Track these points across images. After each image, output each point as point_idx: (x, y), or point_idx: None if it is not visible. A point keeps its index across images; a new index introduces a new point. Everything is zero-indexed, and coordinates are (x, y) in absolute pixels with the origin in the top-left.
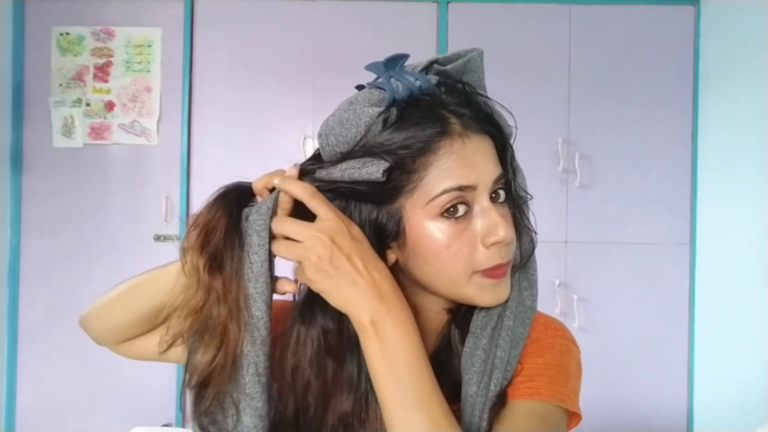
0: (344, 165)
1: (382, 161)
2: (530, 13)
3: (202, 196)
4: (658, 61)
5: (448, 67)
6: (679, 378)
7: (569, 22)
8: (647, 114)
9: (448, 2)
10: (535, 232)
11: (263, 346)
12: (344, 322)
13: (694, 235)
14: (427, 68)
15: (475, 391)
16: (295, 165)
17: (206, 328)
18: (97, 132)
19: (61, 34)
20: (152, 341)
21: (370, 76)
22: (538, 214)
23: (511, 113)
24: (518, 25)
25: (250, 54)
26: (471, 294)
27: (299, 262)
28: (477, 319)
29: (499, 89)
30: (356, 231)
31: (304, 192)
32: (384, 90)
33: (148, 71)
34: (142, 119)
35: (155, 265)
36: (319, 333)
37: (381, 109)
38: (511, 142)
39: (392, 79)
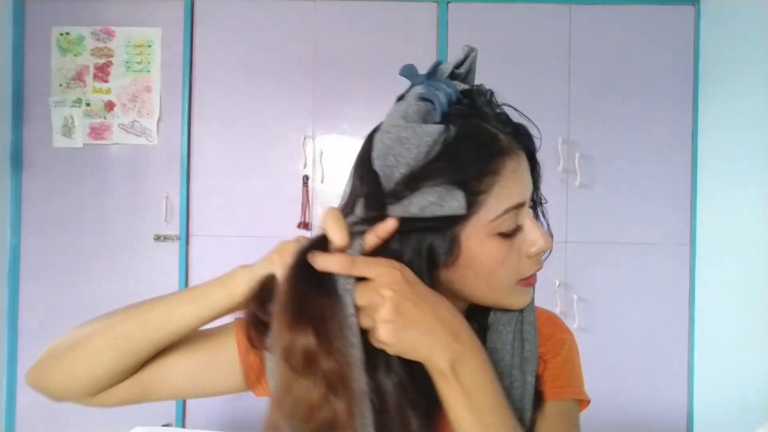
0: (420, 200)
1: (456, 190)
2: (530, 13)
3: (202, 196)
4: (658, 61)
5: (461, 70)
6: (679, 378)
7: (569, 22)
8: (647, 114)
9: (448, 2)
10: (551, 235)
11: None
12: (415, 370)
13: (694, 235)
14: (450, 74)
15: (509, 383)
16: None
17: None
18: (97, 132)
19: (61, 34)
20: (142, 378)
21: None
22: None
23: (535, 125)
24: (518, 25)
25: (250, 54)
26: (510, 301)
27: (367, 329)
28: (497, 316)
29: (499, 89)
30: (409, 274)
31: (343, 268)
32: (431, 102)
33: (148, 71)
34: (142, 119)
35: (155, 265)
36: (395, 386)
37: (440, 127)
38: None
39: (435, 90)
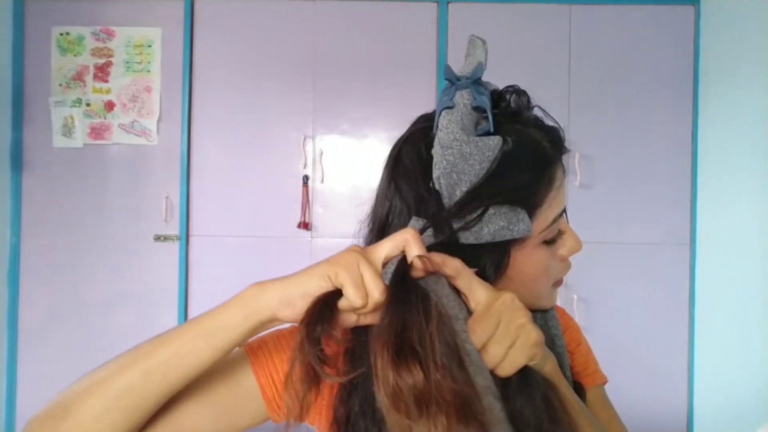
0: (490, 227)
1: (521, 212)
2: (530, 13)
3: (202, 196)
4: (658, 61)
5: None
6: (679, 378)
7: (569, 22)
8: (647, 114)
9: (448, 2)
10: None
11: None
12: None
13: (694, 235)
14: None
15: None
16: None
17: None
18: (97, 132)
19: (61, 34)
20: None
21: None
22: None
23: (560, 127)
24: (518, 25)
25: (250, 54)
26: (543, 303)
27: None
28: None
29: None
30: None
31: (465, 274)
32: (483, 110)
33: (148, 71)
34: (142, 119)
35: (155, 265)
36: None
37: (499, 139)
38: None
39: (482, 97)
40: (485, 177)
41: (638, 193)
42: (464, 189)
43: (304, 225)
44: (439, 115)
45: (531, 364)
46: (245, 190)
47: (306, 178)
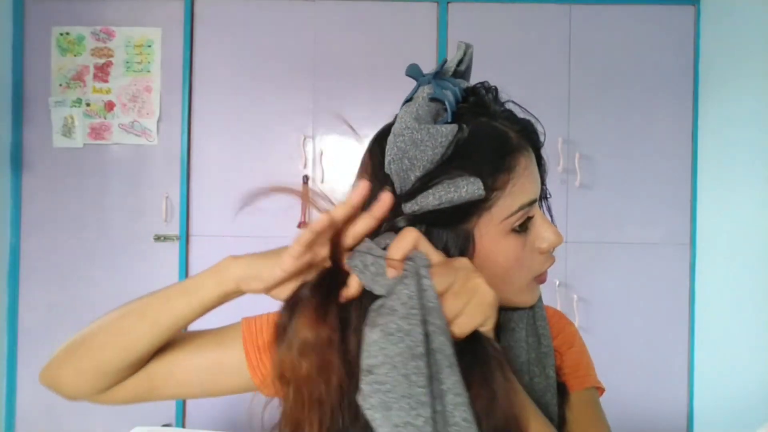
0: (436, 192)
1: (473, 177)
2: (530, 13)
3: (202, 196)
4: (658, 61)
5: (462, 67)
6: (679, 378)
7: (569, 22)
8: (647, 114)
9: (448, 2)
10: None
11: None
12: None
13: (694, 235)
14: (454, 72)
15: (528, 380)
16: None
17: None
18: (97, 132)
19: (61, 34)
20: (148, 375)
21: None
22: None
23: (539, 121)
24: (518, 25)
25: (250, 54)
26: (523, 298)
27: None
28: (508, 315)
29: (499, 89)
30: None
31: (416, 239)
32: (441, 102)
33: (148, 71)
34: (142, 119)
35: (155, 265)
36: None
37: (454, 127)
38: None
39: (443, 90)
40: (439, 162)
41: (638, 193)
42: (418, 174)
43: (305, 225)
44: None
45: (483, 330)
46: (245, 190)
47: (306, 178)
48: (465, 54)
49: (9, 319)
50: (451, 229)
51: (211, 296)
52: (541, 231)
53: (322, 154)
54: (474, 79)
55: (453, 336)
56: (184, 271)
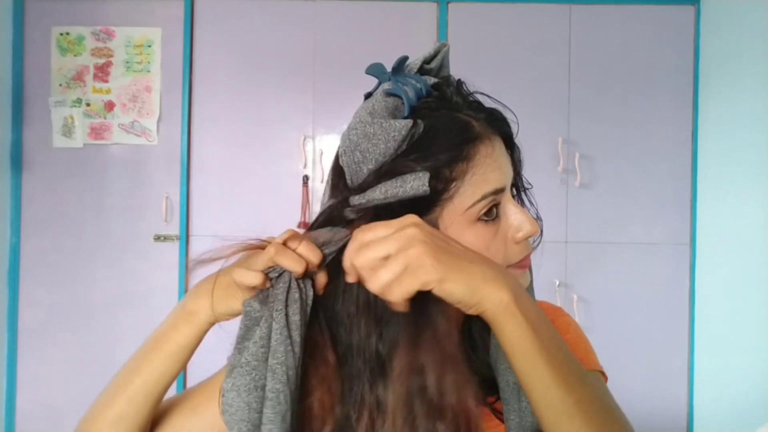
0: (383, 187)
1: (421, 172)
2: (530, 13)
3: (202, 196)
4: (658, 61)
5: (432, 65)
6: (679, 378)
7: (569, 22)
8: (647, 114)
9: (448, 2)
10: (540, 219)
11: None
12: (458, 318)
13: (694, 235)
14: (420, 69)
15: (516, 379)
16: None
17: None
18: (97, 132)
19: (61, 34)
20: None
21: (367, 79)
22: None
23: (510, 109)
24: (518, 25)
25: (250, 54)
26: None
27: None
28: None
29: (499, 89)
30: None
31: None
32: (398, 97)
33: (148, 71)
34: (142, 119)
35: (155, 265)
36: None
37: (408, 122)
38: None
39: (401, 85)
40: (393, 156)
41: (638, 193)
42: (371, 167)
43: (304, 225)
44: None
45: (429, 290)
46: (245, 190)
47: (306, 178)
48: (438, 53)
49: (9, 319)
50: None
51: (195, 342)
52: (515, 220)
53: (322, 154)
54: (474, 79)
55: (391, 302)
56: (184, 271)
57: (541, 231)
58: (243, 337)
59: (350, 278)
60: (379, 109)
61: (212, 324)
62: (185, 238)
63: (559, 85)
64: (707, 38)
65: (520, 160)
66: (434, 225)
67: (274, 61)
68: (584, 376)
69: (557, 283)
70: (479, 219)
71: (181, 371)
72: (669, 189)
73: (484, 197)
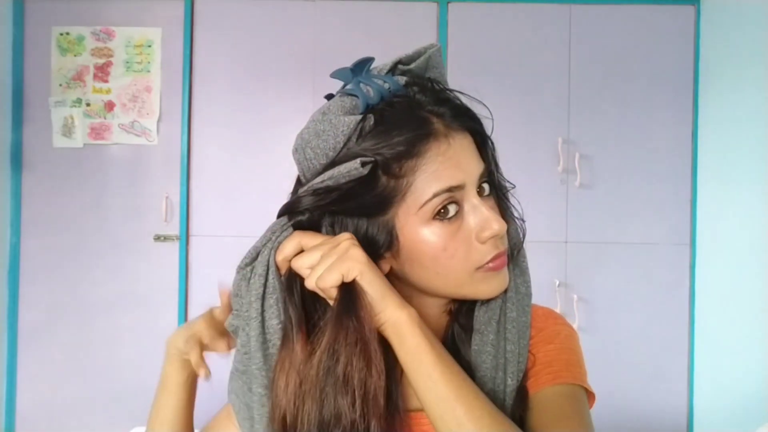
0: (324, 174)
1: (361, 159)
2: (530, 13)
3: (202, 196)
4: (658, 61)
5: (412, 66)
6: (679, 378)
7: (569, 22)
8: (647, 114)
9: (448, 2)
10: (523, 220)
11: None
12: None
13: (694, 235)
14: (392, 70)
15: (491, 387)
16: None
17: None
18: (97, 132)
19: (61, 34)
20: None
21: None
22: (538, 213)
23: (485, 105)
24: (518, 25)
25: (250, 54)
26: (473, 290)
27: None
28: (479, 315)
29: (499, 89)
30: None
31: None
32: (356, 96)
33: (148, 71)
34: (142, 119)
35: (155, 265)
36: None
37: (358, 117)
38: (489, 133)
39: (362, 84)
40: (342, 149)
41: (638, 193)
42: (323, 162)
43: None
44: None
45: (351, 278)
46: (245, 190)
47: None
48: (422, 54)
49: (9, 319)
50: (370, 220)
51: (188, 381)
52: (478, 219)
53: None
54: (474, 79)
55: (321, 289)
56: (184, 271)
57: (524, 232)
58: (237, 348)
59: (283, 275)
60: (334, 109)
61: (190, 381)
62: (185, 238)
63: (559, 85)
64: (707, 38)
65: (494, 156)
66: (390, 225)
67: (274, 61)
68: (478, 393)
69: (557, 283)
70: (435, 217)
71: (190, 404)
72: (669, 189)
73: (435, 195)
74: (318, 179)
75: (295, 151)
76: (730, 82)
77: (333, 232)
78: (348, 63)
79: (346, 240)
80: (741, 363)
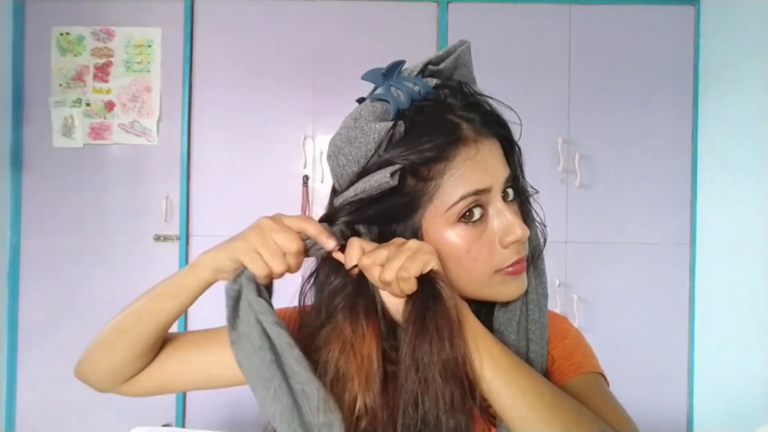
0: (356, 186)
1: (390, 167)
2: (530, 13)
3: (202, 196)
4: (658, 61)
5: (441, 65)
6: (679, 378)
7: (569, 22)
8: (647, 114)
9: (448, 2)
10: (545, 225)
11: None
12: None
13: (694, 235)
14: (422, 71)
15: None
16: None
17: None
18: (97, 132)
19: (61, 34)
20: (162, 369)
21: (367, 83)
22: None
23: (513, 110)
24: (518, 25)
25: (250, 54)
26: (494, 292)
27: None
28: (499, 317)
29: (499, 89)
30: None
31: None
32: (386, 101)
33: (148, 71)
34: (142, 119)
35: (155, 265)
36: None
37: (389, 124)
38: (517, 138)
39: (392, 89)
40: (374, 157)
41: (638, 193)
42: (355, 170)
43: None
44: None
45: (429, 270)
46: (245, 190)
47: (306, 178)
48: (452, 53)
49: (9, 319)
50: (403, 224)
51: (196, 291)
52: (502, 224)
53: (322, 154)
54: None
55: (403, 294)
56: None
57: (545, 238)
58: (232, 315)
59: (354, 270)
60: (365, 114)
61: (215, 276)
62: (185, 238)
63: (559, 85)
64: (707, 38)
65: (520, 162)
66: (418, 227)
67: (274, 61)
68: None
69: (557, 283)
70: (460, 220)
71: (182, 309)
72: (669, 189)
73: (462, 198)
74: (351, 192)
75: (329, 158)
76: (730, 82)
77: (369, 237)
78: (347, 63)
79: (412, 240)
80: (741, 363)
